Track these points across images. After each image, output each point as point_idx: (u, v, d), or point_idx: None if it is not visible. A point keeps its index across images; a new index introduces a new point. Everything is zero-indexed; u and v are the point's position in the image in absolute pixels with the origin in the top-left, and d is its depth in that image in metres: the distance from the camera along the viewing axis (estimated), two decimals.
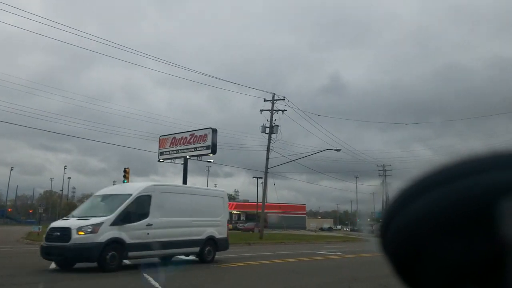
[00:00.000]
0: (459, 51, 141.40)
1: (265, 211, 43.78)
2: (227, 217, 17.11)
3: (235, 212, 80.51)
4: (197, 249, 14.73)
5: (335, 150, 36.12)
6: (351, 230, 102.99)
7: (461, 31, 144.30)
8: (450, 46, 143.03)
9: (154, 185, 14.22)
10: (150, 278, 10.76)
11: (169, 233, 13.56)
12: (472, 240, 0.44)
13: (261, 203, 41.32)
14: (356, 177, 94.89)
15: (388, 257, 0.52)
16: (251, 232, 52.49)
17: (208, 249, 15.17)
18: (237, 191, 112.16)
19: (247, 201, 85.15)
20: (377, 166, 67.87)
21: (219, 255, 16.84)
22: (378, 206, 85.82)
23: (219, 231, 15.77)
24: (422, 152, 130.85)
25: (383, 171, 67.85)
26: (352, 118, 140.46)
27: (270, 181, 39.96)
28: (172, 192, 14.57)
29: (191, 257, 15.38)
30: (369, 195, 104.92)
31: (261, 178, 65.41)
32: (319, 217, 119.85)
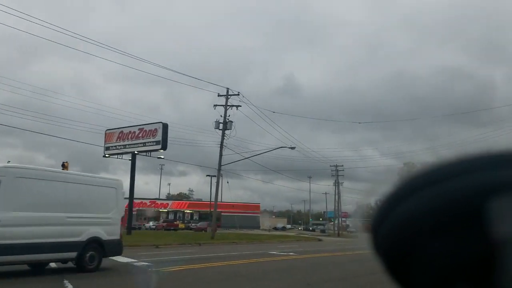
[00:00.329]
0: (407, 58, 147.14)
1: (219, 210, 42.27)
2: (121, 213, 13.20)
3: (188, 211, 78.42)
4: (73, 254, 11.27)
5: (289, 148, 35.29)
6: (304, 229, 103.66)
7: (410, 39, 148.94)
8: (399, 53, 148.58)
9: (5, 167, 10.51)
10: (69, 285, 9.18)
11: (27, 233, 10.12)
12: (463, 239, 0.44)
13: (219, 202, 39.86)
14: (310, 177, 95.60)
15: (380, 256, 0.52)
16: (203, 231, 50.83)
17: (91, 254, 11.69)
18: (192, 190, 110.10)
19: (201, 200, 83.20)
20: (330, 166, 68.24)
21: (162, 257, 15.29)
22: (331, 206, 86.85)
23: (109, 231, 12.27)
24: (371, 154, 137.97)
25: (336, 171, 68.26)
26: (306, 119, 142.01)
27: (224, 180, 38.54)
28: (34, 178, 10.74)
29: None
30: (321, 195, 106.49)
31: (215, 176, 64.47)
32: (273, 217, 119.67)
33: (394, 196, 0.50)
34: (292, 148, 35.13)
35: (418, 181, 0.48)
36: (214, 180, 38.92)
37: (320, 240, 45.41)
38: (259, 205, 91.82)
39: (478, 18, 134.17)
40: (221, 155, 34.70)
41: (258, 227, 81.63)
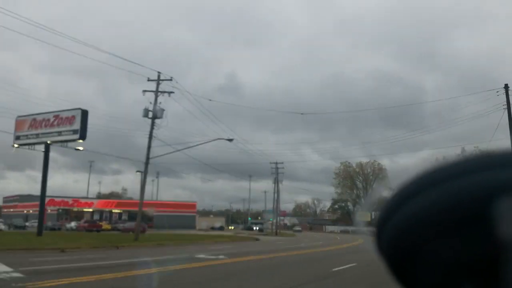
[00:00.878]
0: (343, 62, 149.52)
1: (152, 209, 38.07)
2: None
3: (116, 211, 72.69)
4: None
5: (227, 140, 32.21)
6: (244, 228, 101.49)
7: (346, 43, 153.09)
8: (336, 56, 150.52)
9: None
10: None
11: None
12: (469, 240, 0.44)
13: (149, 201, 35.93)
14: (250, 176, 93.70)
15: (384, 257, 0.51)
16: (131, 232, 46.34)
17: None
18: (126, 189, 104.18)
19: (131, 198, 77.76)
20: (270, 163, 66.30)
21: (46, 265, 11.62)
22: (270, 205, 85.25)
23: None
24: (309, 154, 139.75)
25: (276, 168, 66.43)
26: (248, 118, 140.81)
27: (162, 179, 34.55)
28: None
29: None
30: (262, 194, 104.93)
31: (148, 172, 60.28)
32: (211, 216, 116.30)
33: (399, 196, 0.49)
34: (230, 140, 32.15)
35: (423, 180, 0.47)
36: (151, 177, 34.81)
37: (257, 239, 42.90)
38: (195, 204, 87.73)
39: (410, 27, 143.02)
40: (149, 146, 30.92)
41: (194, 227, 77.70)
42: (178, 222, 71.06)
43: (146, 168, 31.19)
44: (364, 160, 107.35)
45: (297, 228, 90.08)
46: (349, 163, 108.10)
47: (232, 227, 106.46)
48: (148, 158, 30.92)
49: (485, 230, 0.42)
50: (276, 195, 67.82)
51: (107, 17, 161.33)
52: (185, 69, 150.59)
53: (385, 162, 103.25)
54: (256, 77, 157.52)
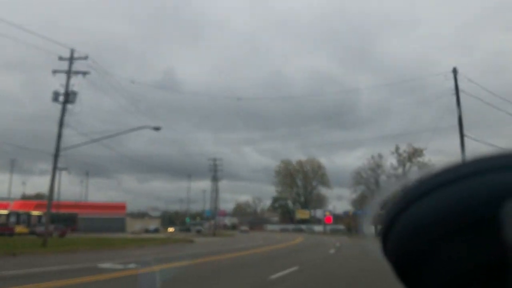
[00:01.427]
0: (283, 61, 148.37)
1: (75, 212, 33.04)
2: None
3: (36, 213, 65.26)
4: None
5: (153, 129, 28.08)
6: (180, 230, 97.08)
7: (286, 43, 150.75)
8: (276, 56, 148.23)
9: None
10: None
11: None
12: (476, 243, 0.43)
13: (74, 202, 30.89)
14: (189, 175, 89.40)
15: (390, 261, 0.51)
16: (54, 235, 40.84)
17: None
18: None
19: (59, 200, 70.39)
20: (208, 160, 62.84)
21: None
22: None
23: None
24: (250, 153, 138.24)
25: (214, 165, 62.99)
26: (186, 116, 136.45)
27: (95, 180, 29.82)
28: None
29: None
30: (201, 193, 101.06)
31: (65, 169, 53.91)
32: (147, 218, 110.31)
33: (405, 199, 0.48)
34: (157, 129, 27.99)
35: (428, 183, 0.47)
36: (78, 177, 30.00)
37: (191, 241, 39.19)
38: (124, 205, 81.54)
39: (347, 28, 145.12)
40: (59, 135, 26.21)
41: (124, 230, 72.04)
42: (106, 224, 65.38)
43: (55, 162, 26.39)
44: (304, 158, 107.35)
45: (244, 227, 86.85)
46: (289, 161, 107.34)
47: (173, 229, 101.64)
48: (58, 149, 26.19)
49: (492, 233, 0.41)
50: (214, 193, 64.30)
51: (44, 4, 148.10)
52: (119, 62, 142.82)
53: (323, 160, 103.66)
54: (195, 73, 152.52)
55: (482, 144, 20.42)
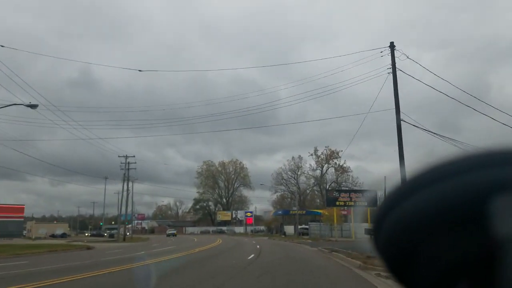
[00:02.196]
0: (207, 65, 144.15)
1: None
2: None
3: None
4: None
5: (28, 106, 22.25)
6: (92, 235, 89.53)
7: (210, 46, 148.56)
8: (200, 59, 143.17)
9: None
10: None
11: None
12: (465, 238, 0.44)
13: None
14: (106, 178, 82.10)
15: (381, 255, 0.51)
16: None
17: None
18: None
19: None
20: (119, 156, 57.12)
21: None
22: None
23: None
24: (174, 156, 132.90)
25: (126, 164, 57.42)
26: (105, 115, 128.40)
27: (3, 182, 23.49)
28: None
29: None
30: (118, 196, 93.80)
31: None
32: (55, 222, 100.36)
33: (395, 195, 0.49)
34: (33, 106, 22.13)
35: (419, 180, 0.47)
36: None
37: (89, 248, 34.02)
38: (23, 207, 72.31)
39: (269, 37, 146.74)
40: None
41: (21, 235, 63.45)
42: (3, 228, 56.88)
43: None
44: (227, 159, 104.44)
45: (170, 231, 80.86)
46: (211, 162, 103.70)
47: (88, 234, 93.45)
48: None
49: (480, 229, 0.42)
50: (126, 194, 58.48)
51: None
52: (31, 59, 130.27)
53: (245, 163, 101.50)
54: (114, 73, 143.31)
55: (420, 128, 18.93)
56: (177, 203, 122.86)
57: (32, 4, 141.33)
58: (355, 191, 46.43)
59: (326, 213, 51.48)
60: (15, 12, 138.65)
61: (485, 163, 0.45)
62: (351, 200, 45.04)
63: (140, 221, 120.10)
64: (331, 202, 45.36)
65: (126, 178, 56.10)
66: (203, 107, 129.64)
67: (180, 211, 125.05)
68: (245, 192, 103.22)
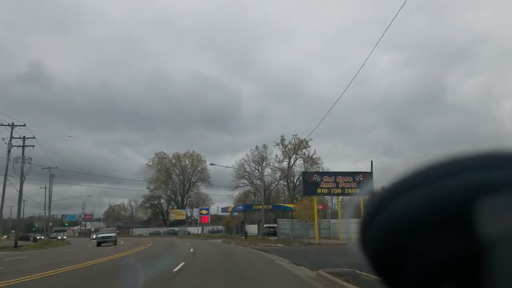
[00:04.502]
0: (164, 61, 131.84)
1: None
2: None
3: None
4: None
5: None
6: (20, 238, 71.76)
7: (167, 42, 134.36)
8: (156, 55, 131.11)
9: None
10: None
11: None
12: (451, 240, 0.44)
13: None
14: (52, 175, 64.88)
15: (368, 256, 0.50)
16: None
17: None
18: None
19: None
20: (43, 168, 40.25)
21: None
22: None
23: None
24: (132, 155, 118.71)
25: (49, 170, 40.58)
26: (57, 113, 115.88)
27: None
28: None
29: None
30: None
31: None
32: None
33: (383, 197, 0.48)
34: None
35: (406, 182, 0.47)
36: None
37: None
38: None
39: (228, 33, 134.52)
40: None
41: None
42: None
43: None
44: (182, 151, 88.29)
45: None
46: (164, 153, 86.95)
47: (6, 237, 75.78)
48: None
49: (466, 230, 0.42)
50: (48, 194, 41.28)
51: None
52: None
53: (203, 155, 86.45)
54: (66, 68, 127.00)
55: None
56: (132, 203, 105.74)
57: None
58: (343, 174, 31.80)
59: (299, 208, 36.93)
60: None
61: (470, 166, 0.45)
62: (337, 187, 30.60)
63: (85, 222, 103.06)
64: (310, 189, 30.73)
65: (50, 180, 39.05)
66: (162, 105, 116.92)
67: (134, 212, 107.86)
68: (204, 190, 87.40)
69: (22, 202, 76.59)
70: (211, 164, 34.34)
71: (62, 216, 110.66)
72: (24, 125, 35.20)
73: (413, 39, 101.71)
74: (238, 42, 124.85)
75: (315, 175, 32.47)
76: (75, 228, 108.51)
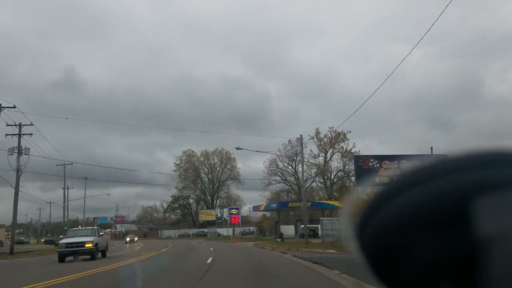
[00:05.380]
0: (191, 64, 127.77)
1: None
2: None
3: None
4: None
5: None
6: (46, 242, 68.33)
7: (193, 45, 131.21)
8: (183, 58, 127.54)
9: None
10: None
11: None
12: (447, 239, 0.43)
13: None
14: (85, 178, 61.19)
15: (365, 256, 0.50)
16: None
17: None
18: None
19: None
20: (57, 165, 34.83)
21: None
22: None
23: None
24: (165, 158, 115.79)
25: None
26: (91, 119, 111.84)
27: None
28: None
29: None
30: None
31: None
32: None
33: (380, 196, 0.48)
34: None
35: (403, 181, 0.47)
36: None
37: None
38: None
39: (252, 35, 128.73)
40: None
41: None
42: None
43: None
44: (211, 148, 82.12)
45: (130, 237, 58.47)
46: (192, 151, 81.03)
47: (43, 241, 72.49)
48: None
49: (462, 230, 0.42)
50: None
51: None
52: (11, 60, 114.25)
53: (232, 153, 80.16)
54: (98, 73, 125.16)
55: None
56: (164, 204, 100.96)
57: (8, 4, 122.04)
58: (409, 157, 23.85)
59: (345, 204, 29.01)
60: None
61: (466, 165, 0.44)
62: None
63: (116, 225, 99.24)
64: (366, 177, 23.08)
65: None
66: (192, 107, 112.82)
67: (164, 213, 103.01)
68: (235, 189, 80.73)
69: (49, 204, 73.71)
70: (237, 148, 26.94)
71: (94, 218, 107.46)
72: (14, 107, 29.27)
73: (448, 31, 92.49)
74: (264, 42, 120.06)
75: (372, 160, 24.78)
76: (106, 230, 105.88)
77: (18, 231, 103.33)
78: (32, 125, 30.42)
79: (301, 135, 31.75)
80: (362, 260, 0.49)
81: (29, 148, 30.80)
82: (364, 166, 23.85)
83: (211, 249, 25.82)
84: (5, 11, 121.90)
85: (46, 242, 70.26)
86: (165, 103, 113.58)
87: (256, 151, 39.58)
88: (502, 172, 0.43)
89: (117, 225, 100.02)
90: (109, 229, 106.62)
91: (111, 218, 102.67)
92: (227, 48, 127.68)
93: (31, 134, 31.00)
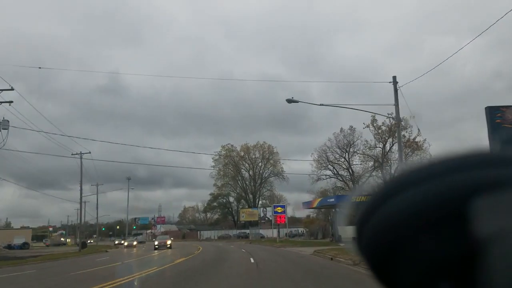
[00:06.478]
0: (230, 64, 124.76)
1: None
2: None
3: None
4: None
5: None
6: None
7: (232, 45, 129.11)
8: (222, 58, 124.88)
9: None
10: None
11: None
12: (446, 239, 0.43)
13: None
14: (128, 179, 55.48)
15: (364, 256, 0.49)
16: None
17: None
18: None
19: None
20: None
21: None
22: None
23: None
24: (206, 160, 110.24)
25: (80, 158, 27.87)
26: (135, 122, 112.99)
27: None
28: None
29: None
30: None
31: None
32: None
33: (379, 196, 0.47)
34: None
35: (402, 181, 0.46)
36: None
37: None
38: None
39: (292, 32, 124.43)
40: None
41: None
42: None
43: None
44: (252, 143, 73.76)
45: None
46: (232, 145, 72.86)
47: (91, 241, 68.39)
48: None
49: (461, 229, 0.41)
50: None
51: None
52: (59, 66, 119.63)
53: (275, 147, 71.41)
54: (140, 76, 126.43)
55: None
56: (205, 204, 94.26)
57: (50, 13, 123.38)
58: None
59: None
60: (40, 21, 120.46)
61: (464, 165, 0.44)
62: None
63: (156, 225, 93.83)
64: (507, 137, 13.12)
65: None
66: (232, 107, 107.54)
67: (208, 214, 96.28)
68: (278, 188, 71.63)
69: (84, 204, 68.49)
70: (288, 101, 17.53)
71: (135, 219, 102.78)
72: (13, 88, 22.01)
73: (499, 21, 79.87)
74: (305, 39, 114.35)
75: None
76: (148, 231, 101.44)
77: (60, 232, 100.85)
78: (13, 89, 22.96)
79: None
80: (361, 260, 0.48)
81: (8, 120, 23.23)
82: (505, 123, 13.90)
83: (252, 260, 16.84)
84: (49, 19, 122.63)
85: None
86: (206, 104, 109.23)
87: (310, 103, 30.10)
88: (501, 172, 0.42)
89: (157, 225, 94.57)
90: (150, 230, 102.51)
91: (152, 219, 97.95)
92: (268, 46, 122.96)
93: (11, 102, 23.35)
